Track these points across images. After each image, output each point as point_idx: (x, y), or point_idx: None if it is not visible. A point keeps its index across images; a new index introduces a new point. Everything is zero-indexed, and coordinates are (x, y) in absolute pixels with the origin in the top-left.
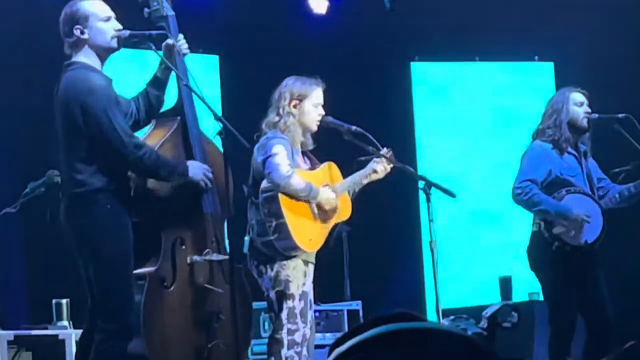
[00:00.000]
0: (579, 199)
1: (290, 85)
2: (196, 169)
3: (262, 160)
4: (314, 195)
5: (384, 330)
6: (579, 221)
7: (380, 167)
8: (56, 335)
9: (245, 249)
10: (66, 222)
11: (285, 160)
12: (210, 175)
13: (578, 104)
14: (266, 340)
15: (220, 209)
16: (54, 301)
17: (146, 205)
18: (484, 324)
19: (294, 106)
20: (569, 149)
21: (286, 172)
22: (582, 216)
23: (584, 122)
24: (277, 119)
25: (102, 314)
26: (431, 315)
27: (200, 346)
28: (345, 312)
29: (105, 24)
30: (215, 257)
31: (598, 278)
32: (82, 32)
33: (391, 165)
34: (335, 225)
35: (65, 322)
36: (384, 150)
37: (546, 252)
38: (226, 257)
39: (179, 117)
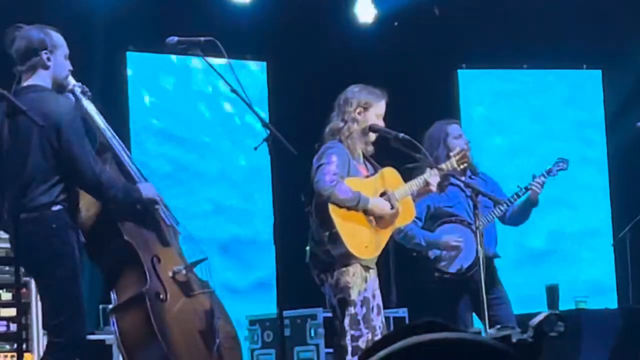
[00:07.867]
0: (452, 228)
1: (358, 93)
2: (147, 189)
3: (315, 168)
4: (363, 205)
5: (414, 342)
6: (449, 246)
7: (434, 181)
8: (103, 341)
9: (307, 259)
10: (15, 242)
11: (333, 169)
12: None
13: (457, 136)
14: (312, 347)
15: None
16: (100, 307)
17: (117, 232)
18: (530, 333)
19: (359, 113)
20: (452, 180)
21: (330, 182)
22: (451, 241)
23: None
24: (341, 124)
25: (51, 329)
26: (477, 323)
27: (213, 345)
28: (392, 319)
29: (66, 61)
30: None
31: (498, 299)
32: (48, 59)
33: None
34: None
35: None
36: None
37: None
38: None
39: (109, 152)
